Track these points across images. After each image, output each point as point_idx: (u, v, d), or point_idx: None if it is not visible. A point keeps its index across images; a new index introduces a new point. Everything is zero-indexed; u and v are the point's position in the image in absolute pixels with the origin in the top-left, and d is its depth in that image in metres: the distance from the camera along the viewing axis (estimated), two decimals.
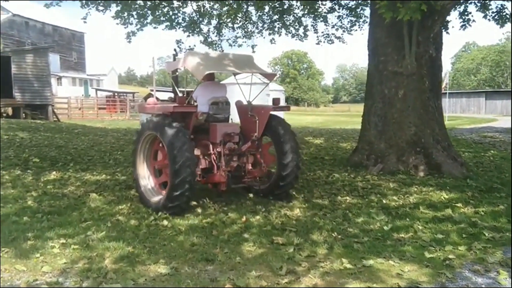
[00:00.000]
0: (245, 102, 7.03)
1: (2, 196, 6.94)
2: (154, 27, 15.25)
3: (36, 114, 26.27)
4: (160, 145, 6.38)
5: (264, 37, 17.06)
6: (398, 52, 9.16)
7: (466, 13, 12.67)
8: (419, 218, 5.79)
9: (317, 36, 17.01)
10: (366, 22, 16.95)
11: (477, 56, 72.88)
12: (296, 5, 16.39)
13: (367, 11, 17.58)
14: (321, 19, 16.47)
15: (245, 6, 15.95)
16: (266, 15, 16.51)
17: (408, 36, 8.80)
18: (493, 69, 70.59)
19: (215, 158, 6.37)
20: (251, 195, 7.06)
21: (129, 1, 13.70)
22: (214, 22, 16.21)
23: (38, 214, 5.96)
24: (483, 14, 13.02)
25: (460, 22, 12.67)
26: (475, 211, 6.14)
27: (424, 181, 8.19)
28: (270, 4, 15.59)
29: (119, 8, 14.01)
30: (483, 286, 3.89)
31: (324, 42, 17.27)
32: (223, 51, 16.81)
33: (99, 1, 13.25)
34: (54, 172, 8.86)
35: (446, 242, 4.86)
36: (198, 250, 4.72)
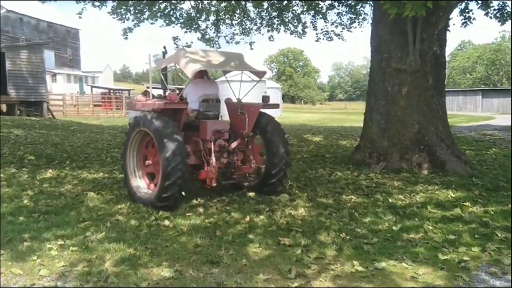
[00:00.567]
0: (235, 100, 7.04)
1: None
2: (151, 23, 15.04)
3: (31, 111, 25.94)
4: (151, 144, 6.33)
5: (262, 34, 16.84)
6: (402, 49, 9.00)
7: (467, 11, 12.55)
8: (428, 217, 5.63)
9: (316, 33, 16.86)
10: (366, 19, 16.83)
11: (472, 54, 72.98)
12: (296, 2, 16.23)
13: (367, 8, 17.50)
14: (321, 16, 16.32)
15: (244, 3, 15.75)
16: (265, 11, 16.32)
17: (412, 32, 8.64)
18: (489, 67, 70.76)
19: (205, 155, 6.42)
20: (252, 194, 6.94)
21: None
22: (212, 18, 16.01)
23: (34, 214, 5.76)
24: (483, 12, 12.93)
25: (461, 20, 12.53)
26: (484, 210, 5.99)
27: (429, 179, 8.04)
28: (269, 1, 15.42)
29: (115, 3, 13.78)
30: None
31: (323, 39, 17.12)
32: (220, 48, 16.63)
33: None
34: (50, 170, 8.64)
35: (459, 243, 4.71)
36: (202, 251, 4.54)
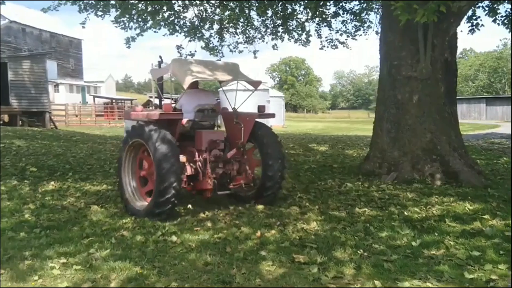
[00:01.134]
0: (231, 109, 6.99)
1: None
2: (155, 32, 14.93)
3: (33, 121, 25.78)
4: (145, 153, 6.28)
5: (266, 43, 16.71)
6: (412, 56, 8.79)
7: (474, 17, 12.38)
8: (448, 232, 5.37)
9: (321, 41, 16.72)
10: (371, 27, 16.73)
11: (474, 62, 72.89)
12: (300, 10, 16.11)
13: (372, 16, 17.41)
14: (325, 23, 16.18)
15: (247, 11, 15.63)
16: (270, 19, 16.20)
17: (423, 39, 8.45)
18: (491, 75, 70.65)
19: (200, 165, 6.37)
20: (261, 206, 6.71)
21: (129, 6, 13.35)
22: (215, 27, 15.88)
23: (36, 229, 5.52)
24: (489, 19, 12.77)
25: (469, 27, 12.35)
26: (505, 223, 5.72)
27: (443, 190, 7.78)
28: (273, 9, 15.29)
29: (118, 12, 13.65)
30: None
31: (328, 47, 16.98)
32: (223, 57, 16.52)
33: (99, 1, 12.84)
34: (52, 182, 8.42)
35: (484, 260, 4.44)
36: (213, 270, 4.29)
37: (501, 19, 12.97)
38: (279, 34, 16.43)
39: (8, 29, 45.92)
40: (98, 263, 4.41)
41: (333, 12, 15.85)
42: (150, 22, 13.95)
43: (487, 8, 12.64)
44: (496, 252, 4.69)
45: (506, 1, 10.81)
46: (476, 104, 46.48)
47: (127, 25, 14.05)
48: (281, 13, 15.64)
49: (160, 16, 14.12)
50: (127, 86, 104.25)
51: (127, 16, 13.70)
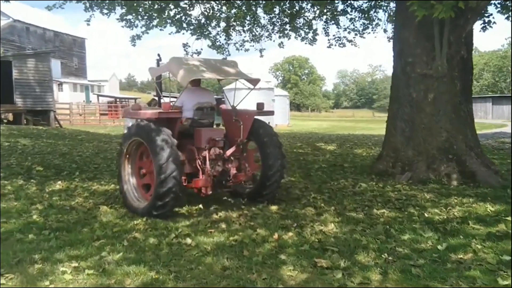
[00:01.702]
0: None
1: (5, 209, 6.32)
2: (161, 30, 14.76)
3: (38, 120, 25.65)
4: (145, 151, 6.28)
5: (273, 41, 16.53)
6: (428, 53, 8.56)
7: (486, 14, 12.14)
8: (473, 235, 5.14)
9: (328, 39, 16.51)
10: (379, 25, 16.49)
11: (479, 61, 72.41)
12: (307, 8, 15.89)
13: (380, 14, 17.16)
14: (333, 21, 15.97)
15: (254, 9, 15.42)
16: (277, 17, 15.99)
17: (439, 36, 8.21)
18: (496, 74, 70.24)
19: (200, 163, 6.39)
20: (275, 207, 6.54)
21: (135, 4, 13.17)
22: (222, 24, 15.67)
23: (45, 231, 5.33)
24: (503, 16, 12.52)
25: (480, 24, 12.13)
26: None
27: (461, 191, 7.56)
28: (280, 6, 15.07)
29: (124, 10, 13.48)
30: None
31: (335, 45, 16.76)
32: (229, 55, 16.32)
33: (104, 0, 12.67)
34: (59, 182, 8.25)
35: None
36: (232, 275, 4.09)
37: None
38: (286, 32, 16.24)
39: (12, 28, 45.83)
40: (111, 267, 4.23)
41: (341, 10, 15.65)
42: (156, 21, 13.78)
43: (499, 5, 12.45)
44: None
45: None
46: (482, 103, 46.13)
47: (133, 23, 13.89)
48: (288, 11, 15.44)
49: (166, 13, 13.94)
50: (130, 85, 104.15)
51: (133, 14, 13.53)
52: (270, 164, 6.54)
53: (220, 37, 15.79)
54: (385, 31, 16.42)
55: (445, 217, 5.98)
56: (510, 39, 64.17)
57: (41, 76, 26.29)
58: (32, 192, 7.45)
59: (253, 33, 16.40)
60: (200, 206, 6.53)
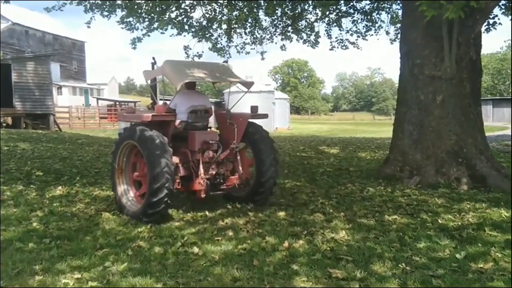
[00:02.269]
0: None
1: (4, 216, 6.11)
2: (161, 33, 14.59)
3: (37, 123, 25.42)
4: (138, 155, 6.28)
5: (275, 43, 16.37)
6: (436, 54, 8.39)
7: (491, 16, 11.99)
8: (491, 242, 4.95)
9: (331, 42, 16.35)
10: (382, 27, 16.34)
11: None
12: (309, 10, 15.75)
13: (383, 16, 17.04)
14: (335, 24, 15.81)
15: (256, 11, 15.25)
16: (279, 19, 15.84)
17: (448, 36, 8.04)
18: (495, 77, 70.24)
19: (193, 166, 6.37)
20: (282, 213, 6.35)
21: (135, 6, 13.01)
22: (223, 27, 15.50)
23: (45, 239, 5.14)
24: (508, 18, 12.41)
25: (485, 25, 12.00)
26: None
27: (472, 195, 7.37)
28: (282, 8, 14.92)
29: (124, 13, 13.31)
30: None
31: (338, 47, 16.61)
32: (230, 57, 16.16)
33: (105, 1, 12.49)
34: (60, 187, 8.06)
35: None
36: (243, 286, 3.89)
37: None
38: (288, 34, 16.08)
39: (12, 31, 45.63)
40: (115, 278, 4.03)
41: (344, 11, 15.49)
42: (157, 23, 13.61)
43: (503, 7, 12.31)
44: None
45: None
46: (483, 106, 45.77)
47: (133, 25, 13.72)
48: (290, 13, 15.29)
49: (167, 15, 13.79)
50: (130, 89, 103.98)
51: (134, 16, 13.36)
52: (263, 159, 6.53)
53: (222, 39, 15.65)
54: (387, 33, 16.32)
55: (459, 223, 5.78)
56: (509, 41, 64.28)
57: (41, 80, 26.08)
58: (32, 198, 7.25)
59: (255, 36, 16.25)
60: (206, 212, 6.35)
